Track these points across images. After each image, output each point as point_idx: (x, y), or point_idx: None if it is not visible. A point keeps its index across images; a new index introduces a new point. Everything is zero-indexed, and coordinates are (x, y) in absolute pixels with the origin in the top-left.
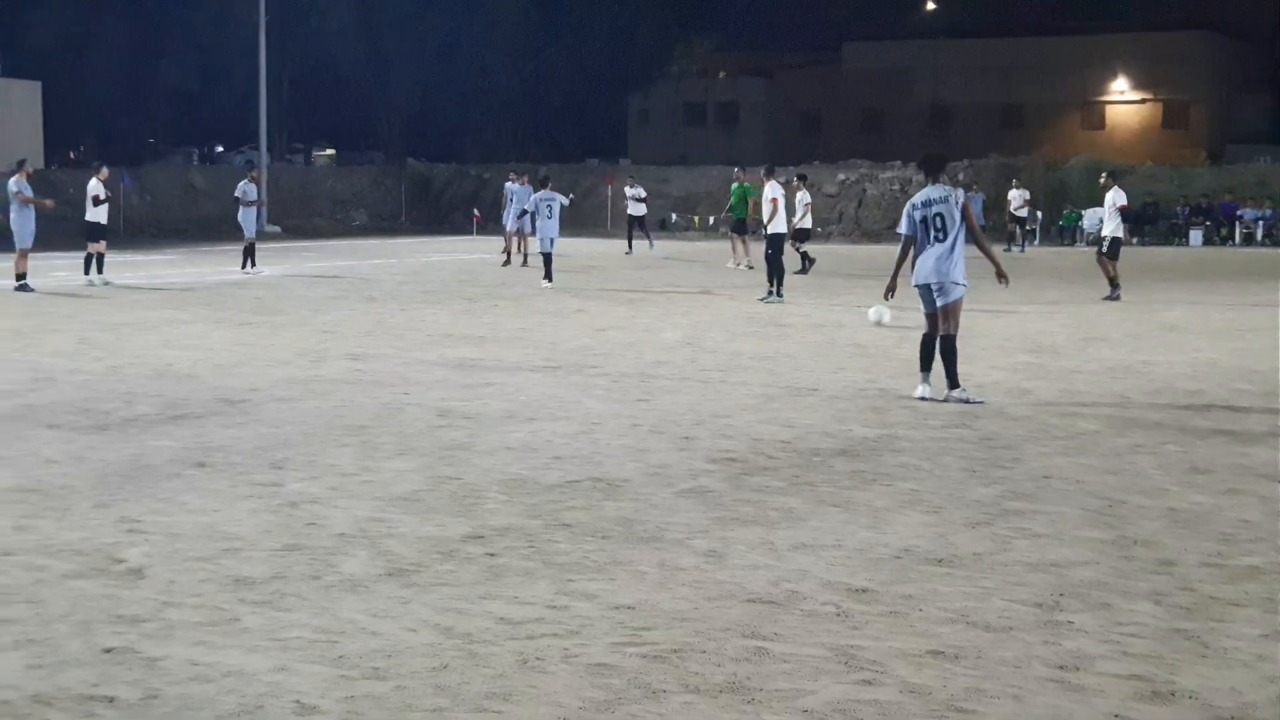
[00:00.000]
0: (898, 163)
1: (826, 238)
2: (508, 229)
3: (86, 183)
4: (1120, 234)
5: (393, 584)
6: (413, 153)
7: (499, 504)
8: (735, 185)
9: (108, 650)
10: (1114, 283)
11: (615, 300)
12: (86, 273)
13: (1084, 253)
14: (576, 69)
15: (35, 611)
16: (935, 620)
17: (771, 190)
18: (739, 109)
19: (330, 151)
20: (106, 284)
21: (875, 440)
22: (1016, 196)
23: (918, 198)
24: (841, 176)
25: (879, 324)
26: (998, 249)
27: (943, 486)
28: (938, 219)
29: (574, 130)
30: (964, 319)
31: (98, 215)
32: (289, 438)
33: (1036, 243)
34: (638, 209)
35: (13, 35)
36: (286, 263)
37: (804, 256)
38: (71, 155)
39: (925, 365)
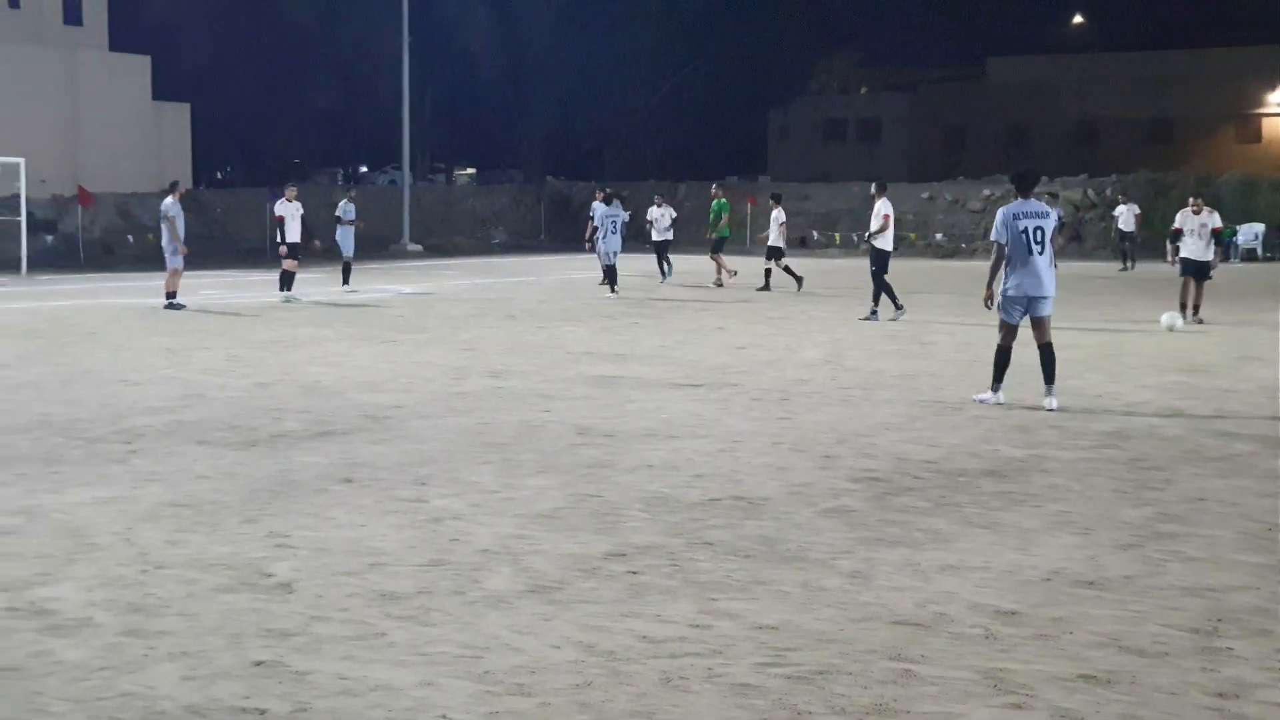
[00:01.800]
0: (1044, 178)
1: (971, 254)
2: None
3: (272, 204)
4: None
5: (535, 601)
6: (552, 171)
7: (640, 522)
8: (715, 202)
9: (258, 663)
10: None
11: (755, 318)
12: (281, 289)
13: (1238, 269)
14: (716, 86)
15: (188, 624)
16: (1086, 644)
17: (883, 206)
18: (881, 124)
19: (471, 171)
20: (291, 300)
21: (1023, 461)
22: (1125, 213)
23: (1014, 208)
24: (986, 192)
25: (1171, 329)
26: (1113, 267)
27: (1092, 508)
28: (1038, 232)
29: (713, 147)
30: (1112, 337)
31: (291, 234)
32: (432, 454)
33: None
34: (665, 234)
35: (163, 59)
36: (428, 281)
37: (789, 272)
38: (219, 176)
39: (1000, 376)
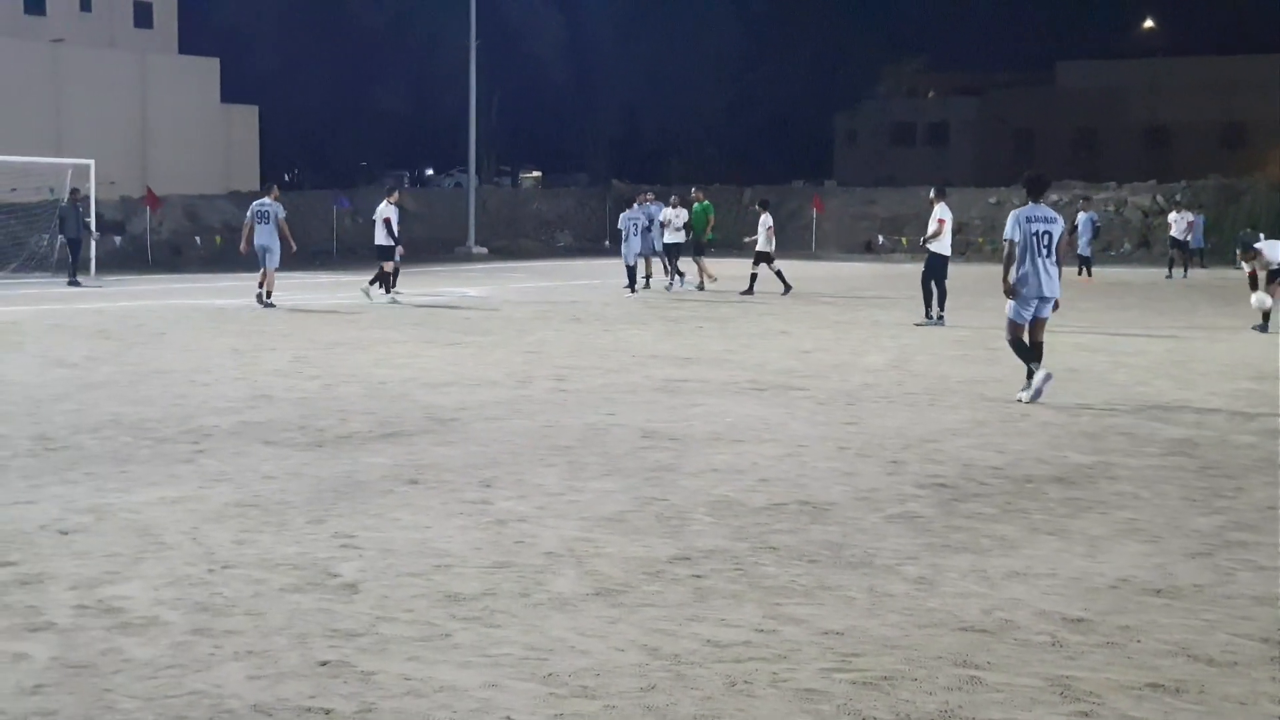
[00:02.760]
0: (1113, 183)
1: None
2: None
3: (342, 206)
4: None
5: (600, 603)
6: (617, 174)
7: (705, 526)
8: (696, 205)
9: (324, 663)
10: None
11: (820, 322)
12: (384, 290)
13: None
14: (782, 89)
15: (255, 624)
16: (1155, 652)
17: (940, 211)
18: (949, 129)
19: (536, 174)
20: (395, 302)
21: (1091, 467)
22: (1178, 220)
23: (1025, 212)
24: (1055, 197)
25: (1261, 307)
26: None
27: (1161, 516)
28: (1045, 236)
29: (779, 151)
30: (1181, 343)
31: (384, 237)
32: (497, 456)
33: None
34: (675, 236)
35: (232, 62)
36: (493, 283)
37: (776, 276)
38: (286, 178)
39: (1036, 357)
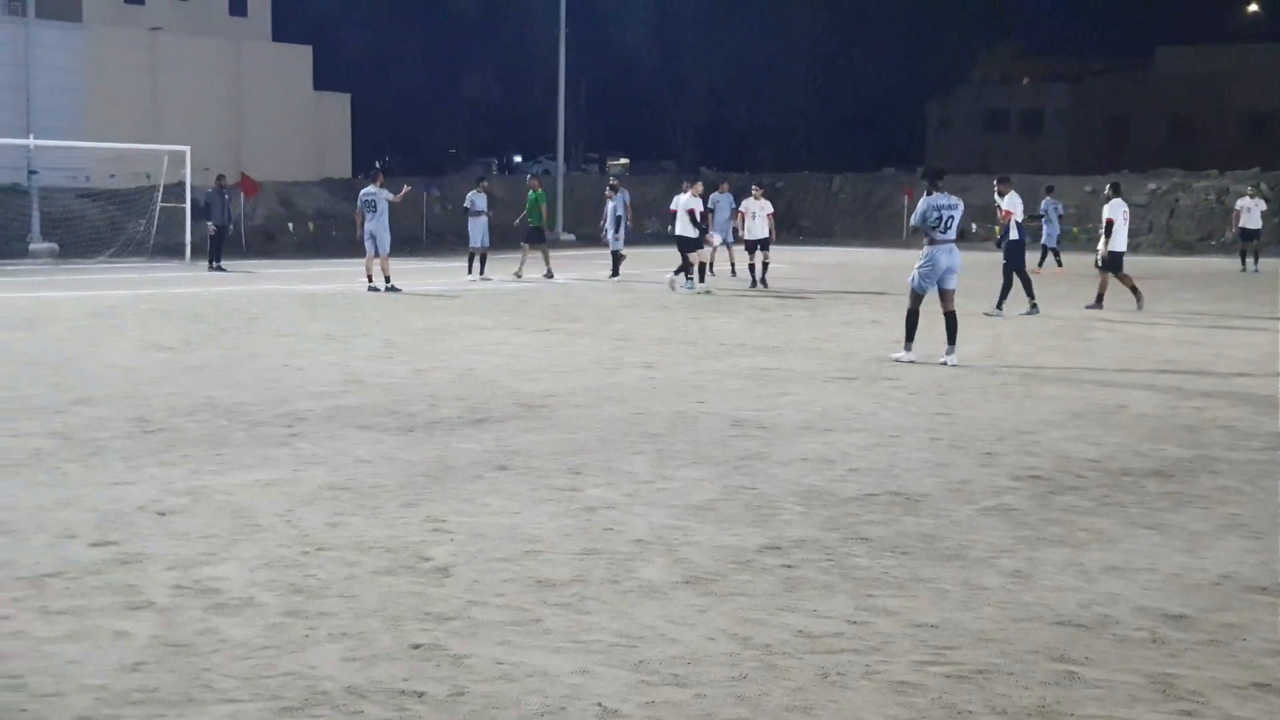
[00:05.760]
0: (1213, 172)
1: (1135, 248)
2: (714, 240)
3: (430, 192)
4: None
5: (690, 592)
6: (705, 161)
7: (795, 515)
8: (530, 193)
9: (416, 646)
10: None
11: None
12: (686, 279)
13: None
14: (873, 75)
15: (349, 606)
16: (1259, 651)
17: (1007, 202)
18: (1043, 116)
19: (624, 160)
20: (708, 292)
21: (1190, 461)
22: (1250, 207)
23: (935, 200)
24: (1151, 186)
25: None
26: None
27: (1264, 511)
28: (949, 220)
29: (870, 138)
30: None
31: (687, 228)
32: (586, 443)
33: None
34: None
35: (324, 49)
36: (581, 270)
37: (759, 267)
38: (377, 165)
39: (912, 336)
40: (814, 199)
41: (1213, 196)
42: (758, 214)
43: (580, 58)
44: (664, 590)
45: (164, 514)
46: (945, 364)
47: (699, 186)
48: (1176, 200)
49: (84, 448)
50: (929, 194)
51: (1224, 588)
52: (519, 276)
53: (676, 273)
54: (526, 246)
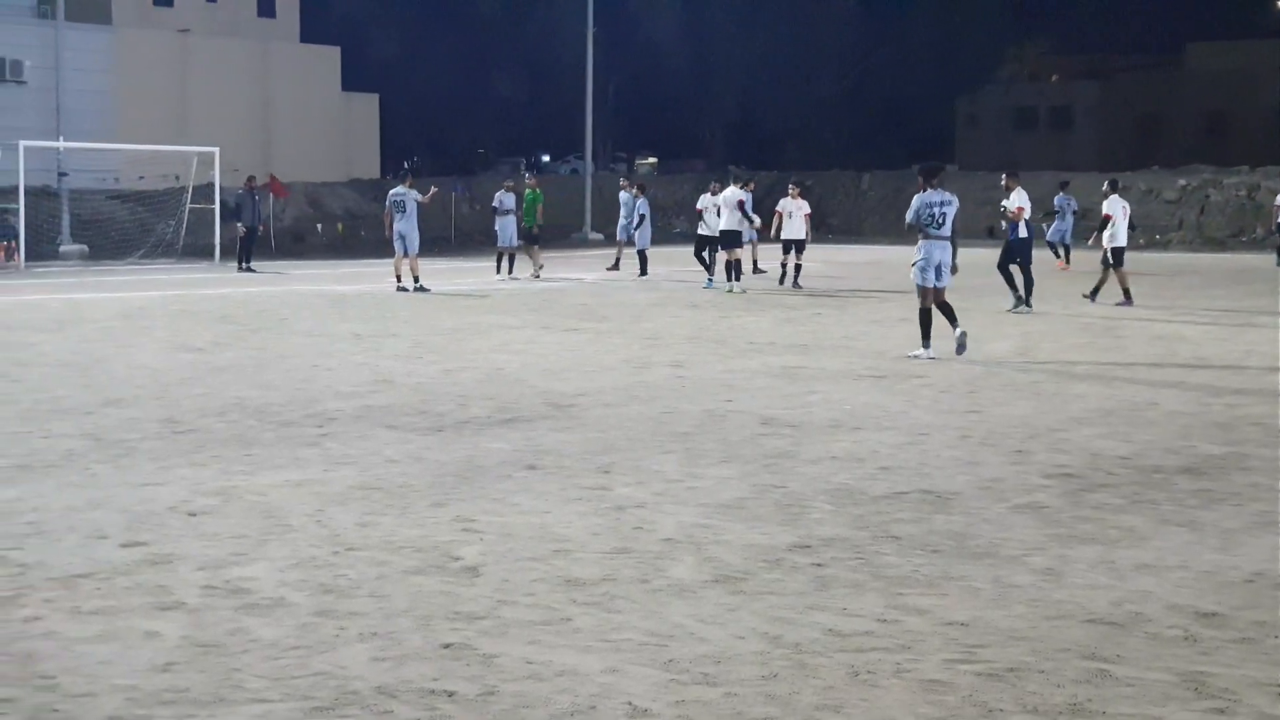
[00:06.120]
0: (1244, 167)
1: (1165, 245)
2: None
3: (460, 194)
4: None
5: (720, 590)
6: (734, 160)
7: (825, 514)
8: (528, 192)
9: (446, 645)
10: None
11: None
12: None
13: None
14: (901, 73)
15: (379, 605)
16: None
17: (1016, 198)
18: (1072, 113)
19: (652, 160)
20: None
21: (1222, 458)
22: None
23: (927, 197)
24: (1182, 182)
25: None
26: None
27: None
28: (942, 216)
29: (898, 135)
30: None
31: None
32: (615, 443)
33: None
34: (707, 229)
35: (352, 50)
36: (603, 269)
37: (791, 267)
38: (406, 165)
39: (928, 334)
40: (843, 197)
41: (1244, 192)
42: (794, 213)
43: (608, 57)
44: (693, 589)
45: (194, 514)
46: (956, 336)
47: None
48: (1207, 196)
49: (114, 449)
50: (923, 190)
51: (1256, 585)
52: (537, 277)
53: (714, 271)
54: (535, 247)
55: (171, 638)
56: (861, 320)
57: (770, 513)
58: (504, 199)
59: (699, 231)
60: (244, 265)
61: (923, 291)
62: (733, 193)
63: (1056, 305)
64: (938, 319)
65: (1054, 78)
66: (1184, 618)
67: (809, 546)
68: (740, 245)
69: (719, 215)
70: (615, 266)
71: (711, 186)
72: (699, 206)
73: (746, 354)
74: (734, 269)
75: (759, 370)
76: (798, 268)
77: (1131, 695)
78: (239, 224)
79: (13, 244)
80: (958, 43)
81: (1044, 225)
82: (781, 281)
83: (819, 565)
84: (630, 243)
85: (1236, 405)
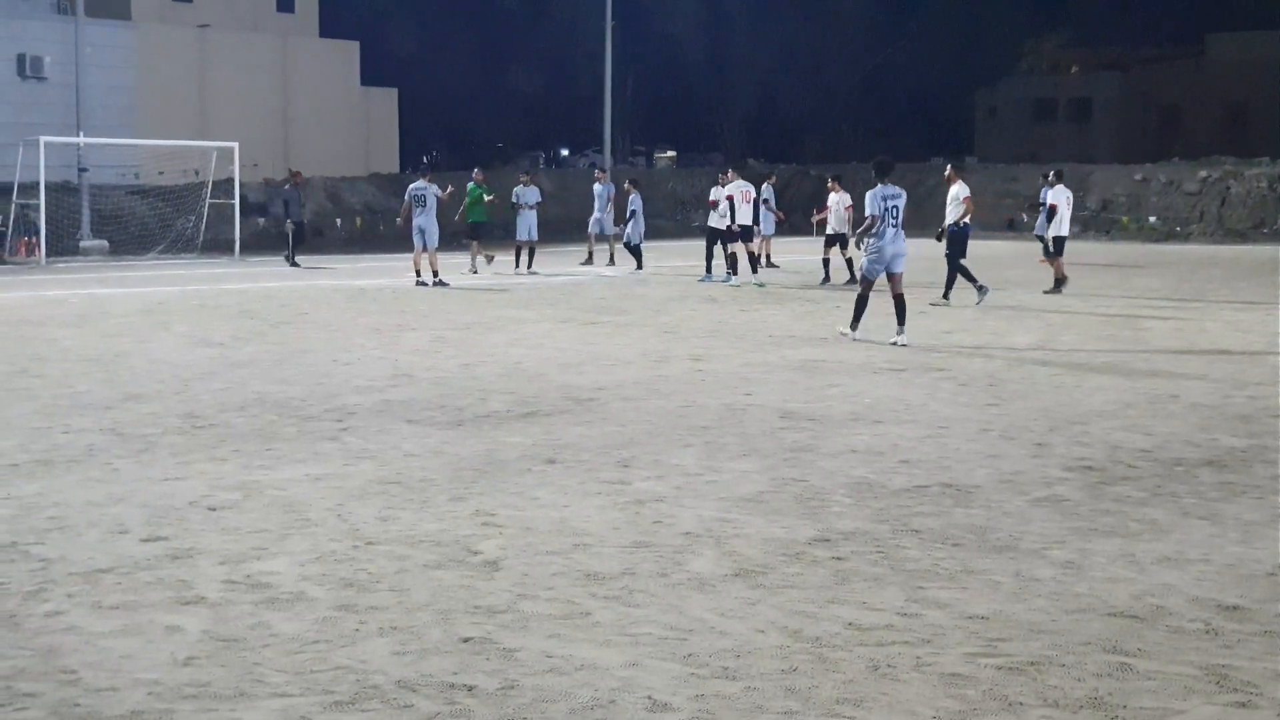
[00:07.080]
0: (1266, 159)
1: (1186, 237)
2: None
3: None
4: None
5: (740, 584)
6: (752, 153)
7: (845, 507)
8: (471, 185)
9: (466, 640)
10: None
11: (960, 302)
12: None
13: None
14: (921, 65)
15: (399, 600)
16: None
17: (960, 190)
18: (1092, 104)
19: (671, 153)
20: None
21: (1244, 451)
22: None
23: (881, 191)
24: (1203, 174)
25: None
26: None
27: None
28: (895, 209)
29: (918, 128)
30: None
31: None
32: (634, 436)
33: None
34: (719, 220)
35: (371, 45)
36: (628, 263)
37: (835, 265)
38: (425, 159)
39: (859, 317)
40: (863, 189)
41: (1265, 184)
42: (836, 207)
43: (627, 50)
44: (713, 583)
45: (215, 509)
46: (895, 344)
47: (773, 178)
48: (1228, 188)
49: (135, 443)
50: (878, 185)
51: (1279, 578)
52: (533, 271)
53: (735, 268)
54: (475, 243)
55: (193, 632)
56: (879, 313)
57: (790, 506)
58: (523, 193)
59: (709, 224)
60: (292, 260)
61: (865, 281)
62: (740, 184)
63: (1075, 300)
64: (883, 309)
65: (1074, 69)
66: (1206, 611)
67: (829, 540)
68: (751, 240)
69: (731, 205)
70: (589, 260)
71: (720, 178)
72: (711, 198)
73: (765, 347)
74: (735, 263)
75: (778, 364)
76: (848, 262)
77: (1153, 689)
78: (288, 220)
79: (34, 239)
80: (977, 34)
81: (1024, 215)
82: (825, 280)
83: (839, 559)
84: (603, 237)
85: (1258, 397)
